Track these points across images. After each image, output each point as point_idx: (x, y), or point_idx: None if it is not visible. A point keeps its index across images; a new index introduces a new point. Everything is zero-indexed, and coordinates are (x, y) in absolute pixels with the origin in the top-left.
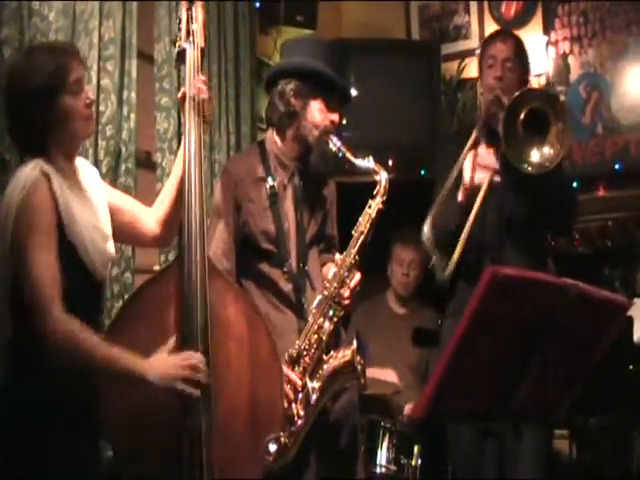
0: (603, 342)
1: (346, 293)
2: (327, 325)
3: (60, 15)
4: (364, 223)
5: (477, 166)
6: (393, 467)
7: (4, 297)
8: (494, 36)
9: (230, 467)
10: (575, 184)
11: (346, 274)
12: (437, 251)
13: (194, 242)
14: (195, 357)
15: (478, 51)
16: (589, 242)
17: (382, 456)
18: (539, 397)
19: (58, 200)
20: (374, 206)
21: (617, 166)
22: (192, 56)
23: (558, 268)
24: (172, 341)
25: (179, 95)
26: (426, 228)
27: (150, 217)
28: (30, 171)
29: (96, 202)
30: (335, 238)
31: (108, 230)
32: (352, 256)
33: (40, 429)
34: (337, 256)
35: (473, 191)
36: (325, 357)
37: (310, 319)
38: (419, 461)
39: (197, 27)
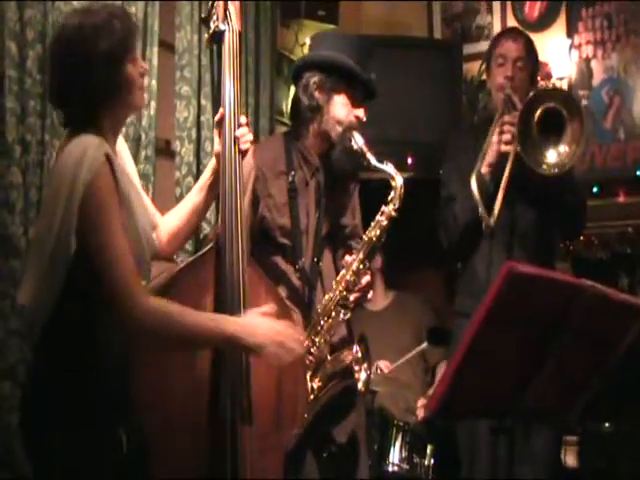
0: (620, 345)
1: (352, 297)
2: (332, 326)
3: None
4: (374, 229)
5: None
6: (406, 466)
7: (57, 270)
8: (504, 34)
9: (254, 456)
10: (595, 189)
11: (352, 279)
12: (481, 203)
13: (234, 233)
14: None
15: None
16: (608, 248)
17: (395, 454)
18: (552, 397)
19: (120, 185)
20: (386, 212)
21: (638, 172)
22: (231, 40)
23: (576, 273)
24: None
25: (217, 118)
26: (473, 181)
27: (163, 226)
28: (96, 151)
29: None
30: (358, 227)
31: (152, 220)
32: (360, 262)
33: (65, 407)
34: (347, 258)
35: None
36: (329, 357)
37: (314, 319)
38: (432, 460)
39: (234, 10)
